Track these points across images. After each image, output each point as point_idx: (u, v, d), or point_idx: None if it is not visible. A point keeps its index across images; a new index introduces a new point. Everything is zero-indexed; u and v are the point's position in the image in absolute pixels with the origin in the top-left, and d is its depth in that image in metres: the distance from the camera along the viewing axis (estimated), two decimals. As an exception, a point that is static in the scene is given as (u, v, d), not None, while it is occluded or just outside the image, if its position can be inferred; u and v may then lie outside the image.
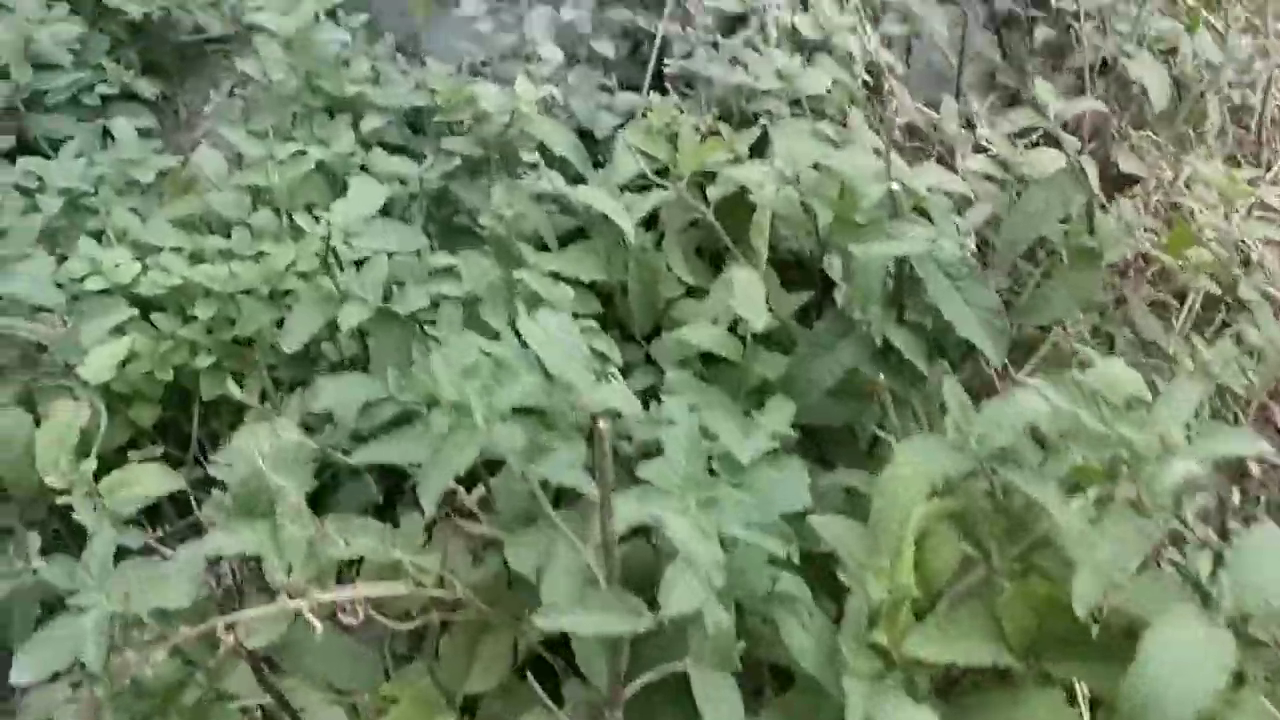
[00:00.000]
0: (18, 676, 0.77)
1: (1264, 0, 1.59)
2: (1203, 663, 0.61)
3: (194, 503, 1.19)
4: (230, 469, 1.09)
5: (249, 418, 1.14)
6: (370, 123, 1.54)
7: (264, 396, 1.27)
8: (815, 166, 1.10)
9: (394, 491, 1.16)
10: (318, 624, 0.69)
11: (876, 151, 1.19)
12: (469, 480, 0.85)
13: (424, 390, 0.82)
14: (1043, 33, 1.71)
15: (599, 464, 0.59)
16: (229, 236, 1.39)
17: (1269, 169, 1.40)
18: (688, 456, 0.75)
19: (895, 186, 0.97)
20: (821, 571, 0.84)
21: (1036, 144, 1.34)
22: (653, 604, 0.64)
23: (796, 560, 0.77)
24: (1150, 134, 1.33)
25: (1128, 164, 1.35)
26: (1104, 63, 1.53)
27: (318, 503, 1.08)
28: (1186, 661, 0.59)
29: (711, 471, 0.83)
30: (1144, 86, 1.37)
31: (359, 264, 1.20)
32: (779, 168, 1.07)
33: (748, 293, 1.04)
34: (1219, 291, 1.05)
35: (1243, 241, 1.02)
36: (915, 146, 1.51)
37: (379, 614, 0.73)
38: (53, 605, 1.01)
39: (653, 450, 0.85)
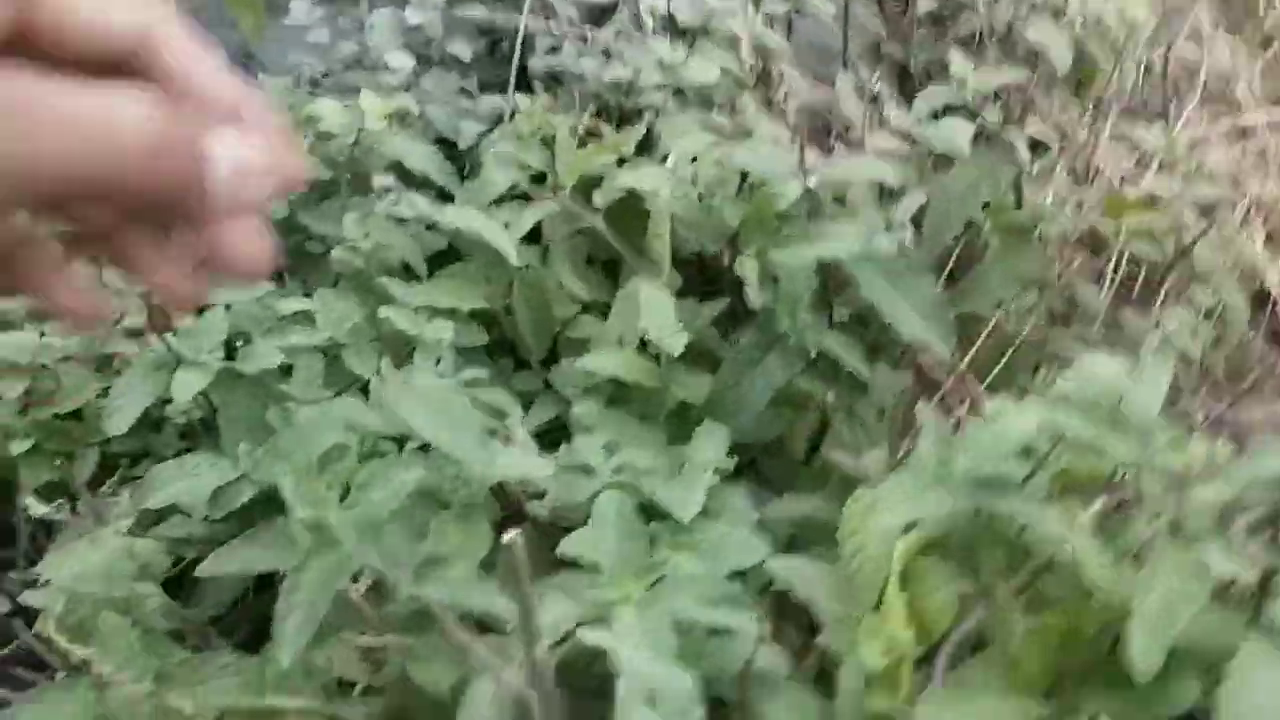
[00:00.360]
0: None
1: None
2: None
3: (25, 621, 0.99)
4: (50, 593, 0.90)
5: (72, 520, 0.94)
6: (199, 153, 1.34)
7: (96, 481, 1.07)
8: (717, 163, 0.97)
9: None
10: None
11: (776, 141, 1.08)
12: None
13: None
14: (924, 3, 1.63)
15: (514, 584, 0.44)
16: (39, 299, 1.18)
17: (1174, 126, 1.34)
18: (619, 532, 0.61)
19: (812, 183, 0.84)
20: (779, 607, 0.72)
21: (937, 115, 1.25)
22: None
23: (766, 635, 0.64)
24: (1055, 100, 1.25)
25: (1035, 130, 1.27)
26: (993, 31, 1.46)
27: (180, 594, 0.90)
28: (1276, 714, 0.48)
29: (647, 519, 0.70)
30: (1042, 51, 1.29)
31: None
32: (673, 170, 0.94)
33: (657, 310, 0.91)
34: (1160, 259, 0.96)
35: (1185, 204, 0.94)
36: (814, 128, 1.41)
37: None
38: None
39: (574, 515, 0.71)
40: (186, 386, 0.91)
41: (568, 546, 0.63)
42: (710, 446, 0.81)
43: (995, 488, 0.63)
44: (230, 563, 0.74)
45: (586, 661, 0.54)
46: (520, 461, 0.66)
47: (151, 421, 1.11)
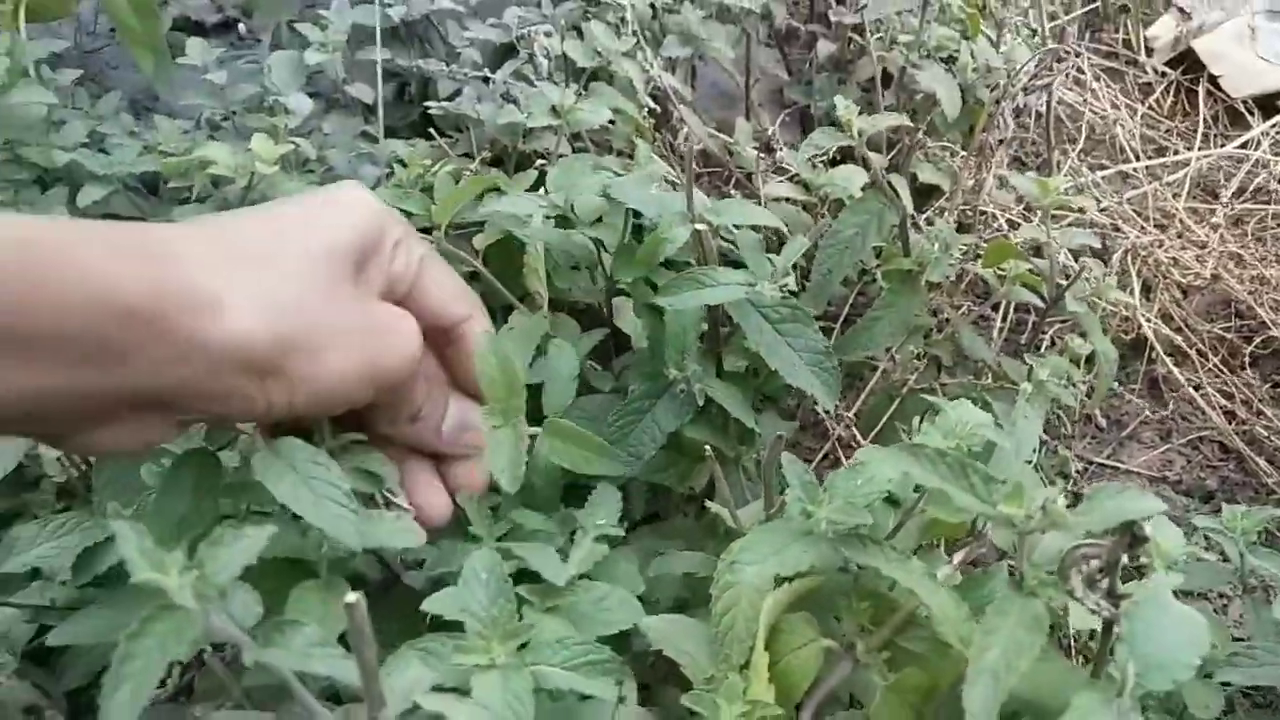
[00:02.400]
0: None
1: (1030, 4, 1.60)
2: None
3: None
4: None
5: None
6: (90, 194, 1.30)
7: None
8: (606, 197, 0.97)
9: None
10: None
11: (668, 181, 1.09)
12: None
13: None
14: (825, 47, 1.67)
15: (356, 647, 0.43)
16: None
17: (1055, 171, 1.39)
18: (489, 592, 0.60)
19: (701, 227, 0.85)
20: (668, 671, 0.71)
21: (835, 161, 1.28)
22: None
23: (634, 697, 0.64)
24: (945, 144, 1.29)
25: (926, 174, 1.30)
26: (886, 75, 1.50)
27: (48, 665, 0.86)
28: (1104, 773, 0.49)
29: (521, 578, 0.69)
30: (933, 96, 1.33)
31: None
32: (551, 200, 0.94)
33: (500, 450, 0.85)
34: (1042, 304, 0.99)
35: (1060, 250, 0.97)
36: (710, 172, 1.43)
37: None
38: None
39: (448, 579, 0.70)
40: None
41: (432, 604, 0.63)
42: (603, 510, 0.80)
43: (858, 539, 0.63)
44: (82, 631, 0.71)
45: None
46: (391, 530, 0.65)
47: (28, 480, 1.08)
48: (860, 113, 1.03)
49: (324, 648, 0.51)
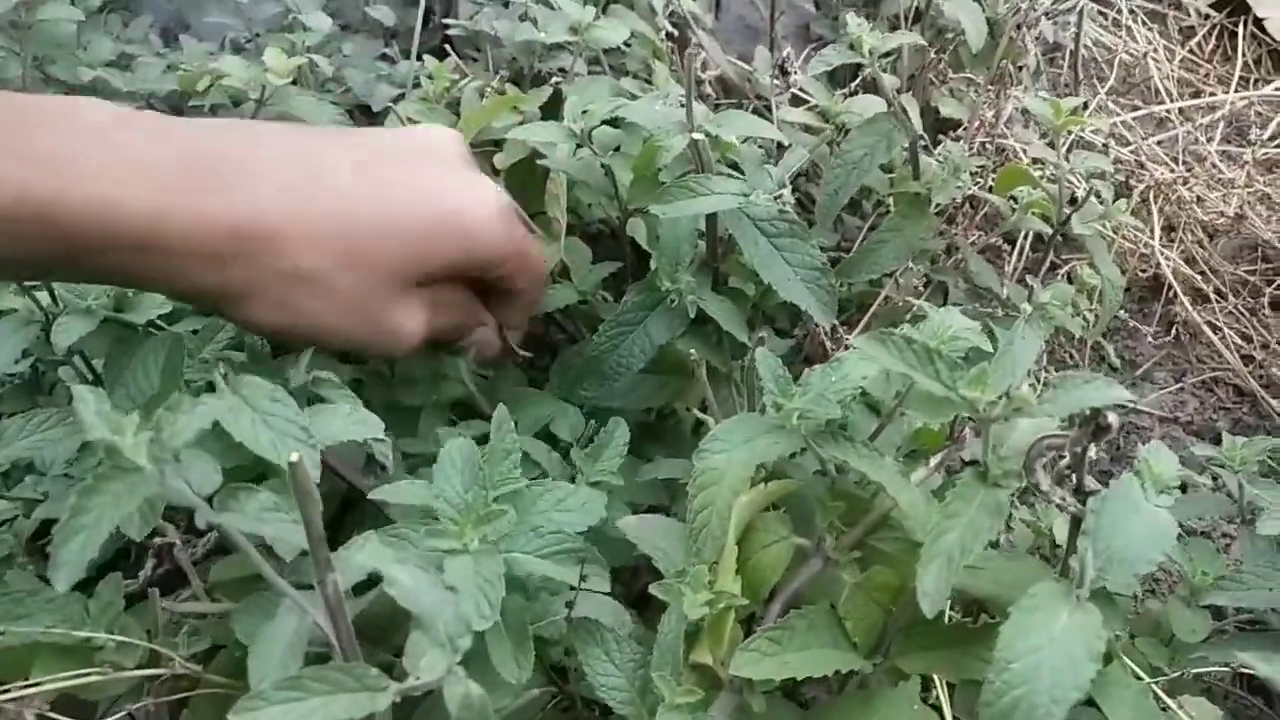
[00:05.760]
0: None
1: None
2: (1070, 654, 0.51)
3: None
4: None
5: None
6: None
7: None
8: (614, 123, 0.97)
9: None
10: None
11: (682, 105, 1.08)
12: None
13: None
14: (854, -18, 1.64)
15: (301, 506, 0.44)
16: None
17: (1085, 106, 1.35)
18: (464, 479, 0.61)
19: (699, 136, 0.84)
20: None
21: (855, 93, 1.26)
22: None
23: (607, 587, 0.64)
24: (969, 76, 1.26)
25: (947, 107, 1.27)
26: (917, 10, 1.46)
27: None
28: (1052, 656, 0.49)
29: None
30: (959, 27, 1.30)
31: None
32: (569, 125, 0.94)
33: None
34: (1049, 231, 0.97)
35: (1071, 176, 0.95)
36: (730, 103, 1.41)
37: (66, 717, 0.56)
38: None
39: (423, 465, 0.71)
40: (67, 332, 0.89)
41: (404, 494, 0.63)
42: (609, 456, 0.81)
43: (830, 435, 0.63)
44: (53, 508, 0.73)
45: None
46: (352, 421, 0.65)
47: (47, 384, 1.10)
48: (881, 43, 1.01)
49: (277, 513, 0.52)
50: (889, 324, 1.04)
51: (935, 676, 0.64)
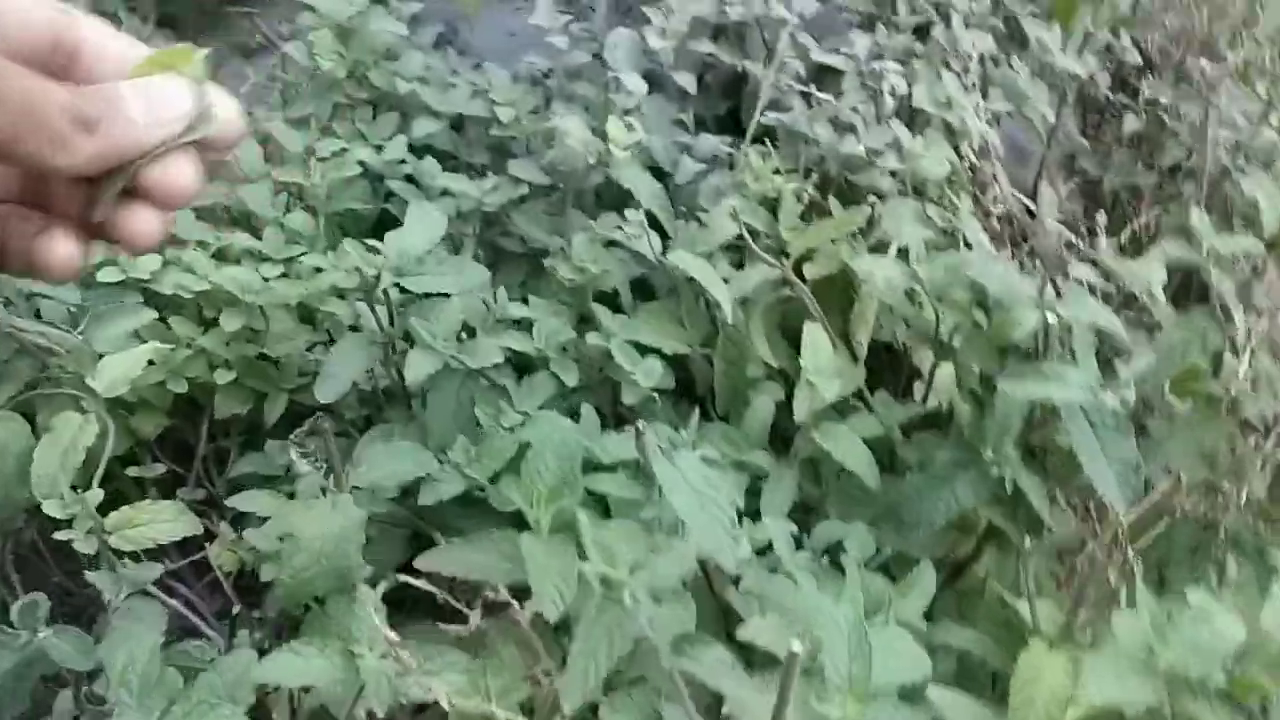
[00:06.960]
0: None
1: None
2: None
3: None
4: (263, 535, 0.98)
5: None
6: (424, 127, 1.40)
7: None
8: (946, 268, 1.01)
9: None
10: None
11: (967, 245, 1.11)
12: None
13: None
14: (1130, 123, 1.64)
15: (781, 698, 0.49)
16: (255, 235, 1.25)
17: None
18: (853, 658, 0.65)
19: (1051, 319, 0.88)
20: None
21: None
22: None
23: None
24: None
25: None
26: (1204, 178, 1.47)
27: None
28: None
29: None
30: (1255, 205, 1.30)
31: (406, 301, 1.06)
32: (903, 267, 0.98)
33: (816, 349, 0.96)
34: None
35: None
36: (1006, 236, 1.43)
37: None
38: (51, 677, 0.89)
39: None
40: (419, 368, 0.97)
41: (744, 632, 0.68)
42: (917, 597, 0.86)
43: (1193, 691, 0.66)
44: (451, 563, 0.80)
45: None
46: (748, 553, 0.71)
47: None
48: (1157, 203, 1.03)
49: (732, 672, 0.57)
50: (1156, 518, 1.06)
51: None
